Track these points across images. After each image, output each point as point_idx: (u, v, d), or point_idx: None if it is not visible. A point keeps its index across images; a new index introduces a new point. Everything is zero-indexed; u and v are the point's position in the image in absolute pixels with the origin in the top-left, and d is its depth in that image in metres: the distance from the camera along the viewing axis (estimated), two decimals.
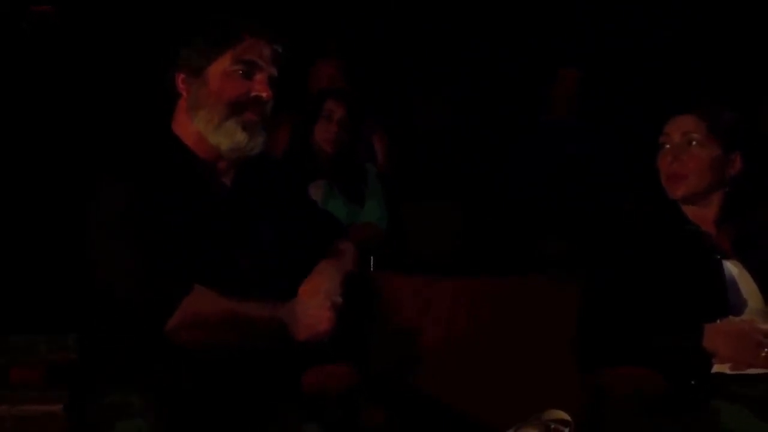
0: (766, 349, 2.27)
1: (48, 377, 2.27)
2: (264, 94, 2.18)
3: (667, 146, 2.52)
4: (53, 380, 2.27)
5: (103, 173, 2.14)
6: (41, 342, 3.79)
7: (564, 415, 2.29)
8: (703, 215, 2.52)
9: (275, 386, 2.15)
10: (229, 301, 2.07)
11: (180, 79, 2.20)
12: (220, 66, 2.17)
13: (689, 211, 2.53)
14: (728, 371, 2.32)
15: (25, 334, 3.92)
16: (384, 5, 5.54)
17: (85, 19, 4.86)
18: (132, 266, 2.05)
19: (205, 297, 2.06)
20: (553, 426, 2.27)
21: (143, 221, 2.06)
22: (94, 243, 2.10)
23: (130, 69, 4.67)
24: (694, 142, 2.49)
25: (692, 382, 2.30)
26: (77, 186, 2.18)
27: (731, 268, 2.45)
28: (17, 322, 3.94)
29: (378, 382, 2.62)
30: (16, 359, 3.59)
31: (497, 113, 5.22)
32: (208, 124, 2.17)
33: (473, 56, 5.51)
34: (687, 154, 2.49)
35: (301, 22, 5.18)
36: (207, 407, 2.07)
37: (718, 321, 2.33)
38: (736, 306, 2.39)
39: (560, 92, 4.96)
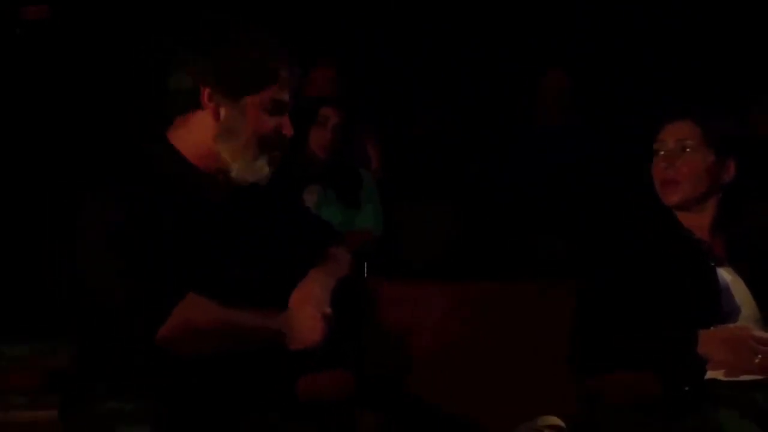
0: (759, 356, 2.27)
1: (42, 384, 2.27)
2: (290, 134, 2.18)
3: (662, 152, 2.52)
4: (48, 387, 2.26)
5: (96, 180, 2.14)
6: (35, 348, 3.79)
7: (557, 421, 2.30)
8: (698, 222, 2.52)
9: (272, 393, 2.16)
10: (222, 309, 2.07)
11: (206, 92, 2.12)
12: (260, 98, 2.13)
13: (683, 217, 2.53)
14: (722, 378, 2.32)
15: (20, 340, 3.92)
16: (378, 10, 5.54)
17: (79, 25, 4.85)
18: (124, 273, 2.03)
19: (198, 305, 2.05)
20: None
21: (136, 229, 2.05)
22: (86, 250, 2.09)
23: (126, 76, 4.66)
24: (688, 149, 2.49)
25: (686, 388, 2.30)
26: (70, 193, 2.17)
27: (725, 274, 2.45)
28: (11, 328, 3.94)
29: (373, 387, 2.62)
30: (9, 366, 3.58)
31: (492, 115, 5.22)
32: (239, 157, 2.14)
33: (468, 57, 5.52)
34: (681, 160, 2.49)
35: (296, 27, 5.18)
36: (203, 414, 2.07)
37: (712, 328, 2.33)
38: (730, 313, 2.40)
39: (548, 92, 4.96)
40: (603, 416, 2.41)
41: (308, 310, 2.17)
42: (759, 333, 2.33)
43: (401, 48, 5.51)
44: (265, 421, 2.11)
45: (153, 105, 2.24)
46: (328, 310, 2.19)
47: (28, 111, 4.65)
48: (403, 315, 2.75)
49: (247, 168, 2.15)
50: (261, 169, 2.16)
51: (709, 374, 2.33)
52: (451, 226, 4.41)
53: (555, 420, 2.30)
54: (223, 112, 2.13)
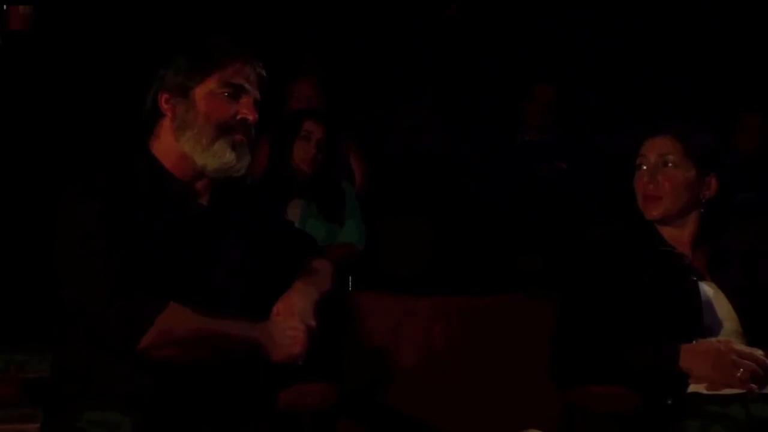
0: (741, 370, 2.28)
1: (23, 395, 2.26)
2: (250, 117, 2.20)
3: (644, 167, 2.53)
4: (29, 398, 2.25)
5: (77, 190, 2.14)
6: (16, 358, 3.76)
7: None
8: (679, 236, 2.53)
9: (252, 403, 2.16)
10: (204, 318, 2.08)
11: (163, 98, 2.21)
12: (207, 87, 2.19)
13: (665, 232, 2.54)
14: (704, 391, 2.33)
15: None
16: (362, 25, 5.56)
17: (64, 36, 4.85)
18: (105, 283, 2.04)
19: (180, 314, 2.06)
20: None
21: (116, 238, 2.07)
22: (67, 259, 2.10)
23: (108, 88, 4.66)
24: (669, 164, 2.50)
25: (668, 402, 2.30)
26: (51, 202, 2.17)
27: (707, 289, 2.46)
28: None
29: (355, 400, 2.62)
30: None
31: (475, 130, 5.24)
32: (196, 144, 2.18)
33: (449, 73, 5.54)
34: (663, 175, 2.50)
35: (279, 40, 5.19)
36: (184, 424, 2.07)
37: (694, 341, 2.34)
38: (712, 327, 2.40)
39: (535, 109, 4.98)
40: (583, 429, 2.41)
41: (291, 322, 2.18)
42: (740, 347, 2.33)
43: (384, 63, 5.52)
44: (245, 430, 2.11)
45: (137, 116, 2.27)
46: (313, 322, 2.19)
47: (10, 118, 4.63)
48: (385, 328, 2.75)
49: (207, 154, 2.18)
50: (222, 153, 2.18)
51: (691, 388, 2.34)
52: (433, 240, 4.41)
53: None
54: (177, 110, 2.19)
